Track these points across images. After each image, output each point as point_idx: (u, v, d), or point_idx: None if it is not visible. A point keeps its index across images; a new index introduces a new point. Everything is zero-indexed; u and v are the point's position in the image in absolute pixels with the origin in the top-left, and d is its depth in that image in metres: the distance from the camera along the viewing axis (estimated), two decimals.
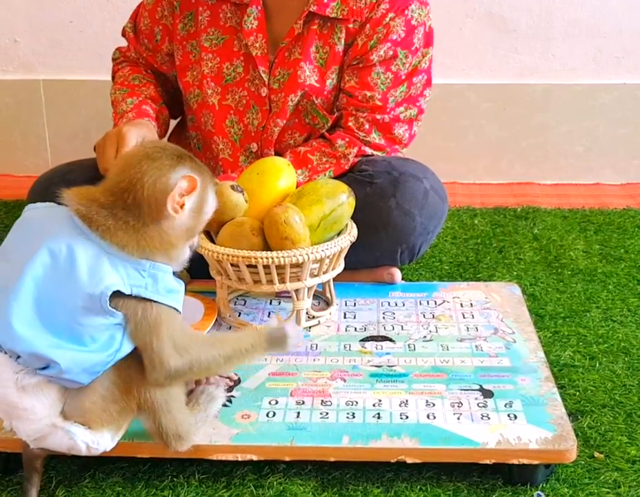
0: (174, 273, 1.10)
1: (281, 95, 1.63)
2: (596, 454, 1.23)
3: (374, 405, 1.24)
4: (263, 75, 1.63)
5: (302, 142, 1.68)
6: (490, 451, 1.15)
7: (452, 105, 2.34)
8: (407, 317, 1.52)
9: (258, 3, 1.61)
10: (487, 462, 1.16)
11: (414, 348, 1.41)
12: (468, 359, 1.37)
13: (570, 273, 1.81)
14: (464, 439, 1.16)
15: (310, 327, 1.48)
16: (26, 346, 1.01)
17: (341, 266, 1.50)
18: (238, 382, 1.31)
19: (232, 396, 1.27)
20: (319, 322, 1.49)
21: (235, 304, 1.56)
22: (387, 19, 1.60)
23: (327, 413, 1.23)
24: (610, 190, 2.31)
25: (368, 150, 1.65)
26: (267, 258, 1.38)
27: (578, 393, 1.37)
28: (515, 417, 1.21)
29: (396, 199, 1.58)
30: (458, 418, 1.21)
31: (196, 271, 1.52)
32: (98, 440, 1.09)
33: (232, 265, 1.42)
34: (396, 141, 1.68)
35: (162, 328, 1.05)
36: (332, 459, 1.17)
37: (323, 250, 1.41)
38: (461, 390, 1.28)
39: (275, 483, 1.17)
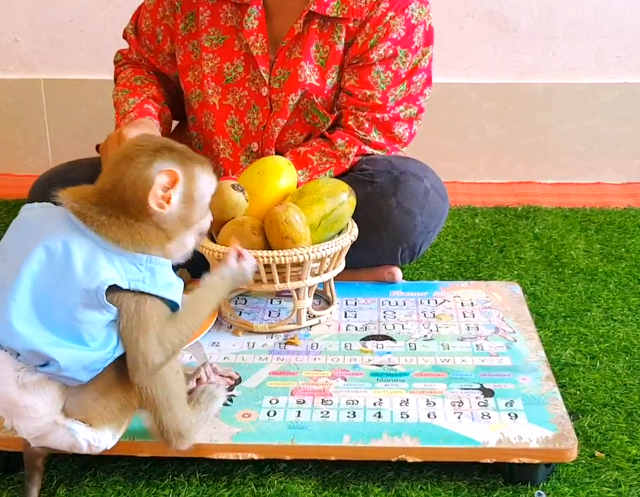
0: (174, 271, 1.10)
1: (282, 95, 1.63)
2: (597, 453, 1.23)
3: (374, 404, 1.24)
4: (264, 75, 1.63)
5: (302, 141, 1.68)
6: (490, 450, 1.15)
7: (453, 104, 2.34)
8: (408, 316, 1.52)
9: (258, 2, 1.61)
10: (488, 461, 1.16)
11: (415, 348, 1.41)
12: (469, 358, 1.37)
13: (570, 272, 1.81)
14: (465, 438, 1.16)
15: (310, 326, 1.48)
16: (25, 343, 1.01)
17: (341, 265, 1.50)
18: (239, 381, 1.31)
19: (233, 395, 1.27)
20: (320, 321, 1.49)
21: (236, 303, 1.56)
22: (387, 18, 1.60)
23: (327, 412, 1.23)
24: (611, 190, 2.31)
25: (368, 149, 1.65)
26: (268, 257, 1.38)
27: (579, 392, 1.37)
28: (516, 416, 1.21)
29: (397, 198, 1.58)
30: (459, 417, 1.21)
31: (197, 270, 1.52)
32: (99, 438, 1.09)
33: None
34: (396, 140, 1.68)
35: (150, 325, 1.04)
36: (332, 458, 1.17)
37: (323, 250, 1.41)
38: (462, 389, 1.28)
39: (276, 482, 1.17)
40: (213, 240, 1.46)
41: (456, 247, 1.95)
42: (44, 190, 1.57)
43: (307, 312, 1.47)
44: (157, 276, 1.05)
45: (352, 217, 1.50)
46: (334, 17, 1.60)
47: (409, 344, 1.42)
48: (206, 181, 1.11)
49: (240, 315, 1.51)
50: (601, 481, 1.17)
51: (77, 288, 1.01)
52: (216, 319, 1.47)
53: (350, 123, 1.64)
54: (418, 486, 1.17)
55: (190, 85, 1.70)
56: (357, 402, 1.25)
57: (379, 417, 1.21)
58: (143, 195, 1.05)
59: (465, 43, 2.32)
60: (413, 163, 1.64)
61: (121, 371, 1.07)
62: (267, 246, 1.42)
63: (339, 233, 1.49)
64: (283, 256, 1.38)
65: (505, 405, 1.24)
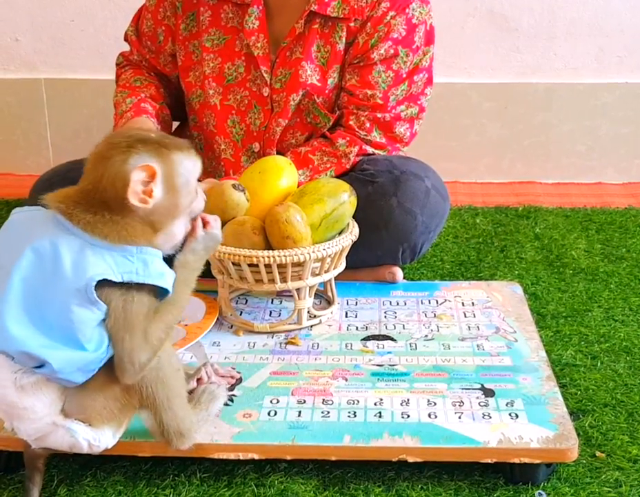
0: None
1: (283, 95, 1.63)
2: (598, 453, 1.23)
3: (375, 404, 1.24)
4: (265, 75, 1.63)
5: (304, 141, 1.68)
6: (491, 450, 1.15)
7: (454, 104, 2.34)
8: (409, 316, 1.52)
9: (259, 2, 1.61)
10: (489, 461, 1.16)
11: (416, 347, 1.41)
12: (470, 358, 1.37)
13: (571, 272, 1.81)
14: (465, 438, 1.16)
15: (311, 326, 1.48)
16: (18, 345, 1.00)
17: (342, 265, 1.50)
18: (239, 380, 1.31)
19: (234, 395, 1.27)
20: (321, 321, 1.49)
21: (237, 303, 1.56)
22: (388, 18, 1.60)
23: (328, 412, 1.23)
24: (612, 190, 2.31)
25: (369, 149, 1.65)
26: (268, 257, 1.38)
27: (579, 392, 1.37)
28: (516, 416, 1.21)
29: (398, 198, 1.58)
30: (460, 417, 1.21)
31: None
32: (99, 438, 1.09)
33: (233, 264, 1.42)
34: (397, 139, 1.68)
35: (136, 324, 1.04)
36: (333, 458, 1.17)
37: (324, 249, 1.41)
38: (463, 389, 1.28)
39: (276, 482, 1.17)
40: None
41: (457, 247, 1.95)
42: (45, 189, 1.55)
43: (308, 312, 1.47)
44: (150, 266, 1.04)
45: (353, 216, 1.50)
46: (335, 17, 1.60)
47: (410, 344, 1.42)
48: (187, 166, 1.09)
49: (241, 314, 1.51)
50: (602, 481, 1.17)
51: (67, 287, 1.01)
52: (217, 319, 1.47)
53: (350, 122, 1.64)
54: (419, 486, 1.17)
55: (191, 86, 1.70)
56: (358, 402, 1.25)
57: (380, 417, 1.21)
58: (123, 194, 1.04)
59: (466, 43, 2.32)
60: (414, 163, 1.64)
61: None
62: (268, 246, 1.42)
63: (340, 233, 1.49)
64: (284, 256, 1.38)
65: (506, 405, 1.24)
